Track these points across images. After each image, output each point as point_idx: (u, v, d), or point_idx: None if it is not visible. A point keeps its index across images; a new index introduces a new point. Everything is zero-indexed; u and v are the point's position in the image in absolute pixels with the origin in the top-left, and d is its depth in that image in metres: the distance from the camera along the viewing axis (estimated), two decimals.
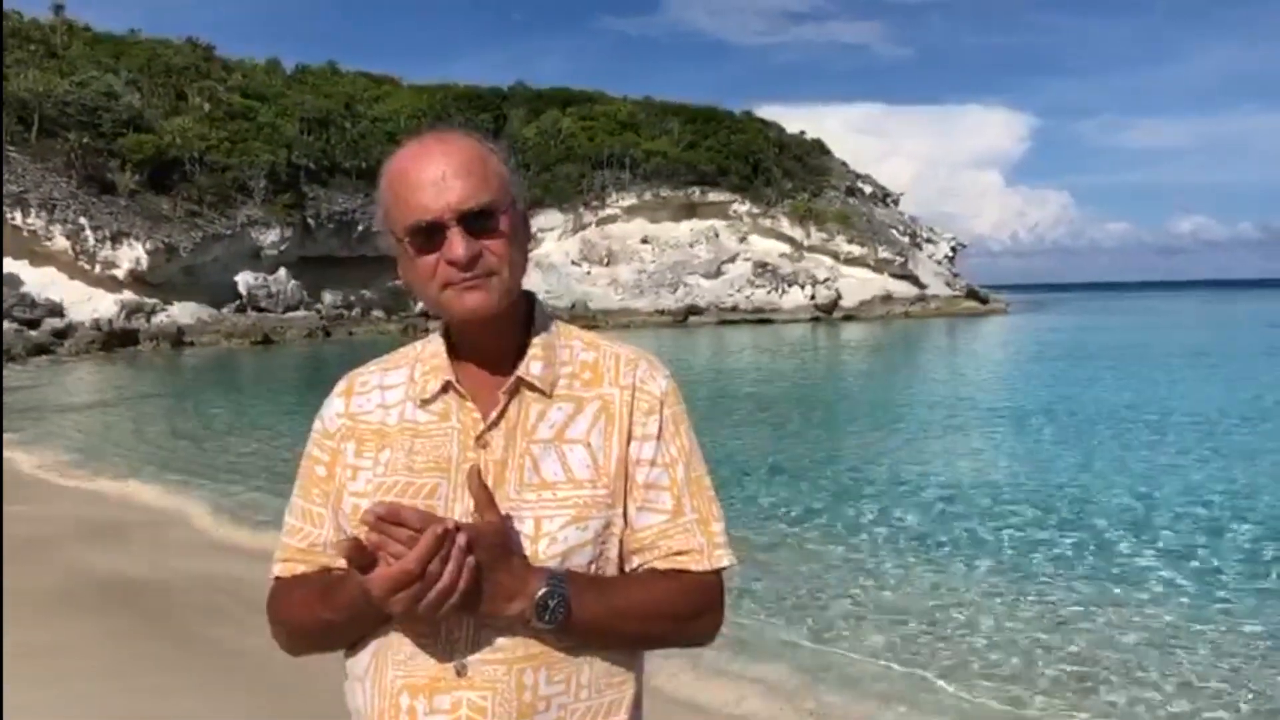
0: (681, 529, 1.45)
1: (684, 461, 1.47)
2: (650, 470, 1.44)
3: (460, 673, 1.34)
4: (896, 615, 6.86)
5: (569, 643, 1.37)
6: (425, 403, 1.45)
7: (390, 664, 1.38)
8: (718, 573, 1.47)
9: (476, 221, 1.38)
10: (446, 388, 1.45)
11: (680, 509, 1.45)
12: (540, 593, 1.31)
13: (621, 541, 1.43)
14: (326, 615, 1.40)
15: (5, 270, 45.17)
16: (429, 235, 1.38)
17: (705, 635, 1.49)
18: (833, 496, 11.04)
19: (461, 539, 1.25)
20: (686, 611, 1.44)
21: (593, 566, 1.40)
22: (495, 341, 1.45)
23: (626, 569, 1.45)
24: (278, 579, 1.53)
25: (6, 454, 13.05)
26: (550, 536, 1.37)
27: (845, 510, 10.29)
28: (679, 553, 1.44)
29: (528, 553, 1.36)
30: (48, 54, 61.78)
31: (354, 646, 1.45)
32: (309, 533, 1.50)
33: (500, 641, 1.34)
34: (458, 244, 1.36)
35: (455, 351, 1.48)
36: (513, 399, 1.43)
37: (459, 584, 1.25)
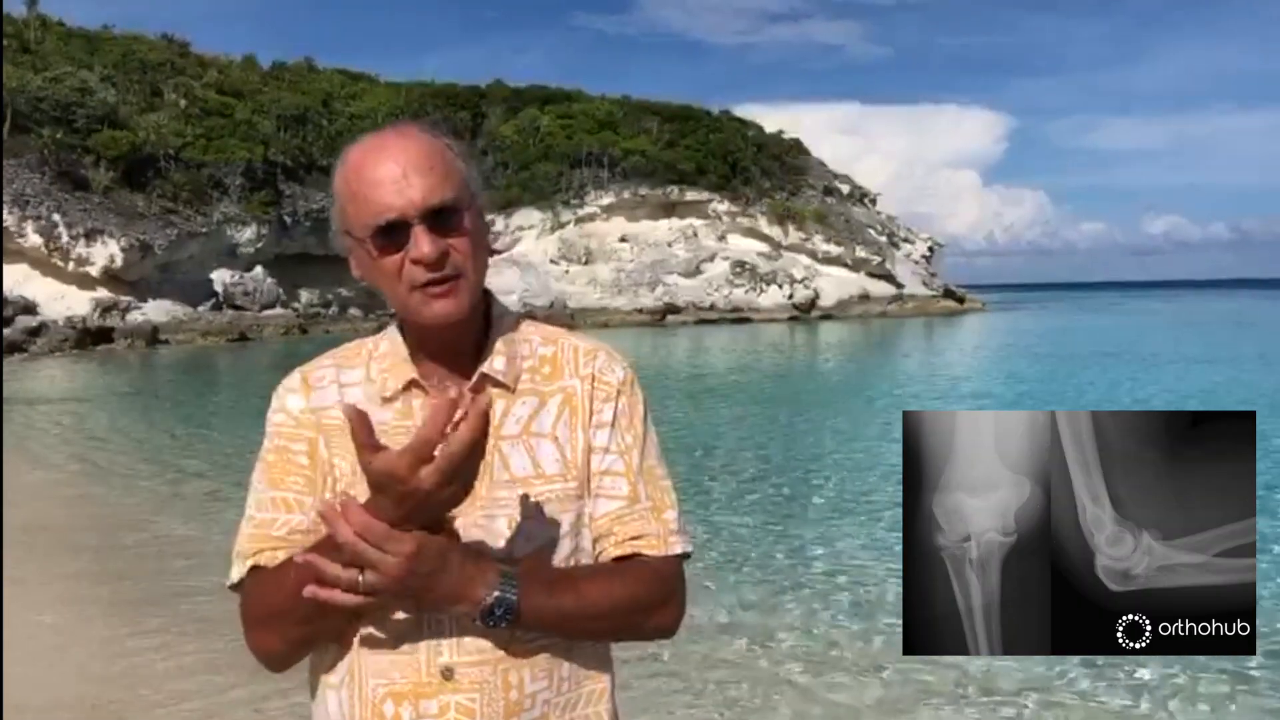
0: (637, 515, 1.44)
1: (638, 449, 1.47)
2: (605, 457, 1.44)
3: (447, 676, 1.33)
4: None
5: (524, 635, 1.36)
6: (387, 401, 1.43)
7: (369, 672, 1.36)
8: (676, 561, 1.46)
9: (440, 219, 1.34)
10: (409, 385, 1.43)
11: (635, 495, 1.44)
12: (487, 601, 1.29)
13: None
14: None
15: None
16: (392, 234, 1.33)
17: (665, 629, 1.47)
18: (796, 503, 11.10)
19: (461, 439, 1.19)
20: (644, 605, 1.43)
21: (570, 560, 1.42)
22: (456, 339, 1.43)
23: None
24: (255, 570, 1.42)
25: None
26: (526, 534, 1.38)
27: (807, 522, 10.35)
28: (635, 537, 1.44)
29: (502, 549, 1.36)
30: (21, 49, 61.01)
31: (325, 656, 1.41)
32: (287, 520, 1.43)
33: (486, 642, 1.34)
34: (424, 243, 1.33)
35: (413, 349, 1.45)
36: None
37: (442, 492, 1.20)
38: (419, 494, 1.19)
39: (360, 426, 1.20)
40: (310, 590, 1.23)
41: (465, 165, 1.41)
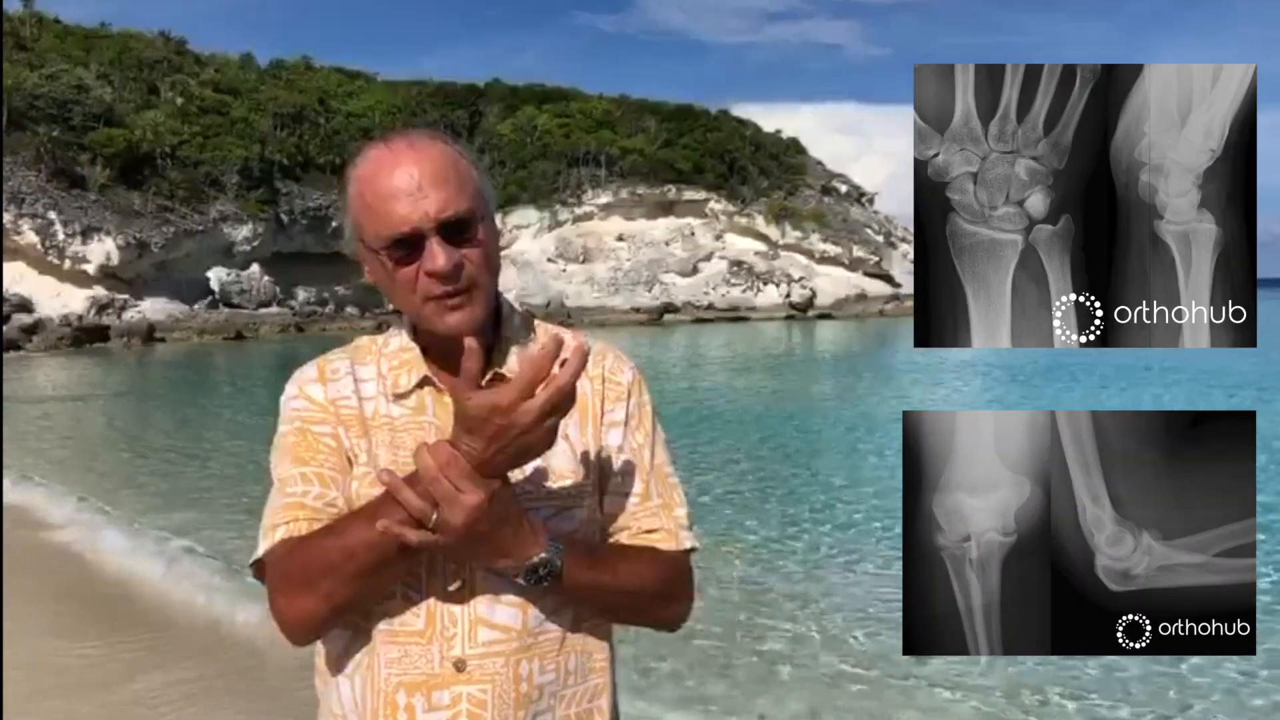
0: (649, 511, 1.49)
1: (649, 448, 1.51)
2: (618, 456, 1.48)
3: (460, 668, 1.36)
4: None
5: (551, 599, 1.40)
6: (399, 397, 1.45)
7: (382, 662, 1.37)
8: (686, 557, 1.51)
9: (455, 231, 1.35)
10: (422, 383, 1.45)
11: (647, 493, 1.49)
12: (534, 560, 1.33)
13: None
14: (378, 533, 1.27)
15: None
16: (407, 247, 1.34)
17: (676, 619, 1.53)
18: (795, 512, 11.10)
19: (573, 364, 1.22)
20: (666, 592, 1.48)
21: None
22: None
23: None
24: (286, 540, 1.37)
25: None
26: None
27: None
28: (649, 531, 1.48)
29: None
30: (17, 47, 60.94)
31: (339, 646, 1.42)
32: (321, 493, 1.40)
33: (498, 635, 1.37)
34: (439, 255, 1.33)
35: (425, 347, 1.47)
36: None
37: (533, 433, 1.22)
38: (514, 430, 1.21)
39: (474, 359, 1.22)
40: (383, 524, 1.24)
41: (478, 175, 1.42)
